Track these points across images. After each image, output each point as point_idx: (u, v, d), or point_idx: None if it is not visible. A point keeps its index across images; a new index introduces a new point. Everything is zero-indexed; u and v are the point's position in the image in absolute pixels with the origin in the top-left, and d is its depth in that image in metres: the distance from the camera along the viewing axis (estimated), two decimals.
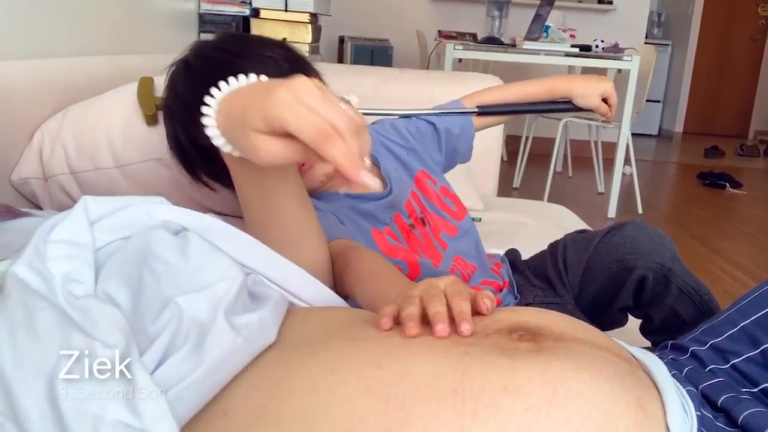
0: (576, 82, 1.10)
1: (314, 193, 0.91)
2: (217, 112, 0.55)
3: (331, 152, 0.47)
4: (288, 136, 0.49)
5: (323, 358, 0.47)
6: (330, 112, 0.48)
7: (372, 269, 0.68)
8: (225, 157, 0.60)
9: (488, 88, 1.14)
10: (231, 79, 0.56)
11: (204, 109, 0.56)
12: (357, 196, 0.89)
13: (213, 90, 0.56)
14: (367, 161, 0.50)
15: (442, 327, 0.46)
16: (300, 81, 0.50)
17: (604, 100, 1.08)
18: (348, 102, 0.52)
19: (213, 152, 0.62)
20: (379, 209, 0.89)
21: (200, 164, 0.88)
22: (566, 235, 1.02)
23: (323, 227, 0.72)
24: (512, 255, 1.06)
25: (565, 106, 1.09)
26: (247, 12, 2.23)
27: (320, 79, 0.79)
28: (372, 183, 0.49)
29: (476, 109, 1.05)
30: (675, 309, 0.89)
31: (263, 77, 0.57)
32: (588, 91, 1.08)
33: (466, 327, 0.46)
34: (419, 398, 0.42)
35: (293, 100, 0.48)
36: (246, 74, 0.57)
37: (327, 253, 0.71)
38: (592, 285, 0.92)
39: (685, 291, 0.89)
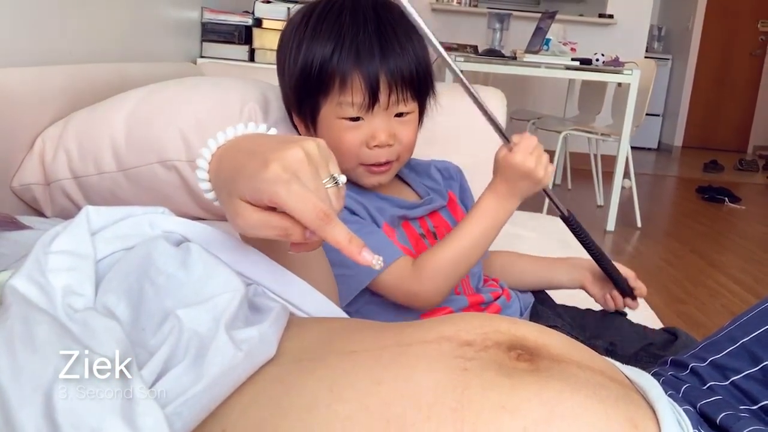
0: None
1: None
2: (210, 163, 0.54)
3: (332, 235, 0.46)
4: (269, 209, 0.47)
5: (321, 375, 0.47)
6: (321, 193, 0.48)
7: None
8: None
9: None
10: (229, 128, 0.55)
11: (198, 161, 0.54)
12: (389, 199, 0.92)
13: (209, 140, 0.54)
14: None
15: None
16: (294, 154, 0.47)
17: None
18: (336, 182, 0.51)
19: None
20: (395, 215, 0.91)
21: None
22: (619, 315, 1.03)
23: (379, 247, 0.78)
24: (539, 292, 1.07)
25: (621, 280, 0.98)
26: (250, 22, 2.24)
27: None
28: (373, 260, 0.47)
29: (566, 212, 0.94)
30: None
31: (263, 127, 0.56)
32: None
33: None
34: (419, 417, 0.42)
35: (288, 176, 0.46)
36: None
37: (332, 279, 0.72)
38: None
39: None
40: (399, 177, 1.00)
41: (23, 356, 0.40)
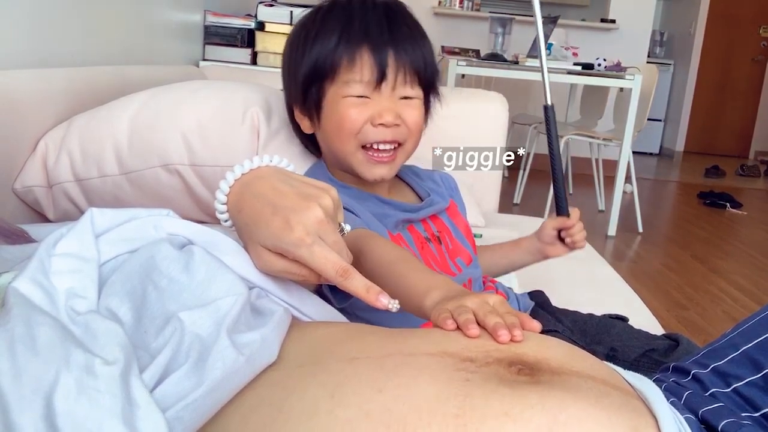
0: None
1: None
2: (229, 195, 0.59)
3: (352, 286, 0.52)
4: (291, 259, 0.53)
5: (323, 381, 0.47)
6: (339, 245, 0.53)
7: (390, 258, 0.68)
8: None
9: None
10: (246, 161, 0.59)
11: (217, 193, 0.58)
12: (391, 203, 0.91)
13: (228, 173, 0.59)
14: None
15: (504, 333, 0.49)
16: (314, 215, 0.53)
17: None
18: (343, 231, 0.56)
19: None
20: (399, 219, 0.90)
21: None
22: (620, 320, 1.03)
23: None
24: (540, 297, 1.07)
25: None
26: (253, 25, 2.24)
27: None
28: (390, 304, 0.52)
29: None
30: None
31: (276, 159, 0.60)
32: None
33: (518, 333, 0.50)
34: (420, 424, 0.42)
35: (311, 240, 0.51)
36: None
37: None
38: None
39: None
40: (399, 177, 1.00)
41: (24, 359, 0.39)
